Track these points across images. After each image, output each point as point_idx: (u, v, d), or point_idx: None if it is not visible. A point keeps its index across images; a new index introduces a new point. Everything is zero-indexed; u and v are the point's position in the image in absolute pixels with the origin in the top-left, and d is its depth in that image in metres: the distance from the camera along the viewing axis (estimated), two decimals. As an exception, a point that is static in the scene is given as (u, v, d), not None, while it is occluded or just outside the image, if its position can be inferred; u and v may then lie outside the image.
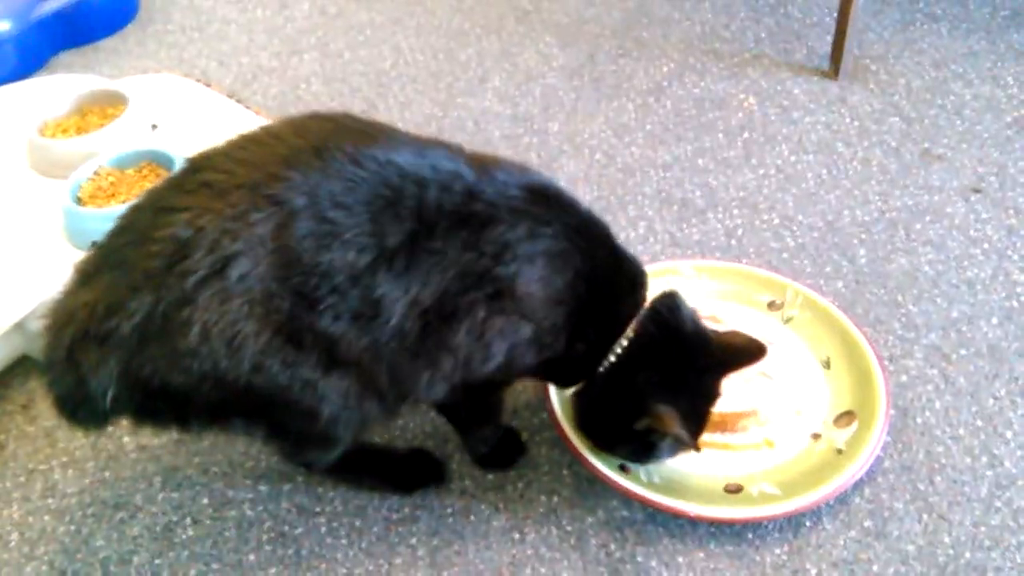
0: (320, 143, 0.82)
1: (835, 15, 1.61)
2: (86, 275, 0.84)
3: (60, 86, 1.60)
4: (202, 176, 0.83)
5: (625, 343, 0.92)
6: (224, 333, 0.78)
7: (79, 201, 1.32)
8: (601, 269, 0.91)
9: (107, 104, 1.52)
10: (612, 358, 0.92)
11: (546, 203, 0.88)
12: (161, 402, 0.84)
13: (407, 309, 0.82)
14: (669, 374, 0.93)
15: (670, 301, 0.94)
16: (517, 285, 0.85)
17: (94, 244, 1.28)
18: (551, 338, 0.90)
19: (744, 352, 0.96)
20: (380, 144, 0.84)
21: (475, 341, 0.85)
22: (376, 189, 0.81)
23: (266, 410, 0.85)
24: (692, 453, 0.97)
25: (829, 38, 1.65)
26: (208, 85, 1.64)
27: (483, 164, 0.88)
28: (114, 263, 0.81)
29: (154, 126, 1.51)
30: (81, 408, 0.85)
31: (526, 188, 0.88)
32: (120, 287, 0.79)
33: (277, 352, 0.79)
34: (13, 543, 1.02)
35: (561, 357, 0.92)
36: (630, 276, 0.95)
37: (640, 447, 0.96)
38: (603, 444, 0.99)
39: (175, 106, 1.57)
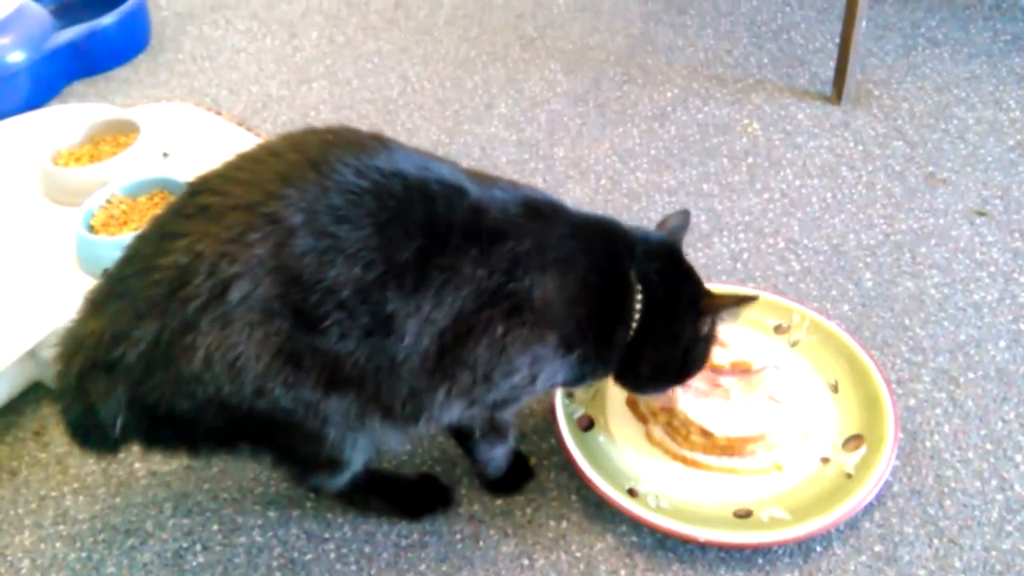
0: (318, 157, 0.82)
1: (837, 41, 1.63)
2: (94, 304, 0.84)
3: (73, 115, 1.63)
4: (200, 200, 0.83)
5: (639, 304, 0.94)
6: (225, 358, 0.78)
7: (91, 229, 1.33)
8: (602, 255, 0.93)
9: (119, 133, 1.54)
10: (634, 323, 0.94)
11: (542, 214, 0.91)
12: (169, 428, 0.84)
13: (421, 327, 0.82)
14: (684, 284, 0.97)
15: (644, 246, 0.96)
16: (534, 297, 0.86)
17: (106, 272, 1.30)
18: (579, 336, 0.91)
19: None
20: (382, 155, 0.84)
21: (496, 356, 0.86)
22: (381, 202, 0.81)
23: (272, 434, 0.86)
24: (703, 472, 1.01)
25: (832, 63, 1.67)
26: (219, 114, 1.66)
27: (482, 180, 0.90)
28: (120, 292, 0.82)
29: (165, 154, 1.53)
30: (92, 435, 0.86)
31: (523, 203, 0.90)
32: (125, 316, 0.80)
33: (277, 374, 0.79)
34: (24, 570, 1.02)
35: (598, 349, 0.93)
36: (625, 245, 0.96)
37: (706, 346, 1.00)
38: (683, 377, 1.01)
39: (187, 134, 1.59)
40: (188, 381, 0.79)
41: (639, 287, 0.94)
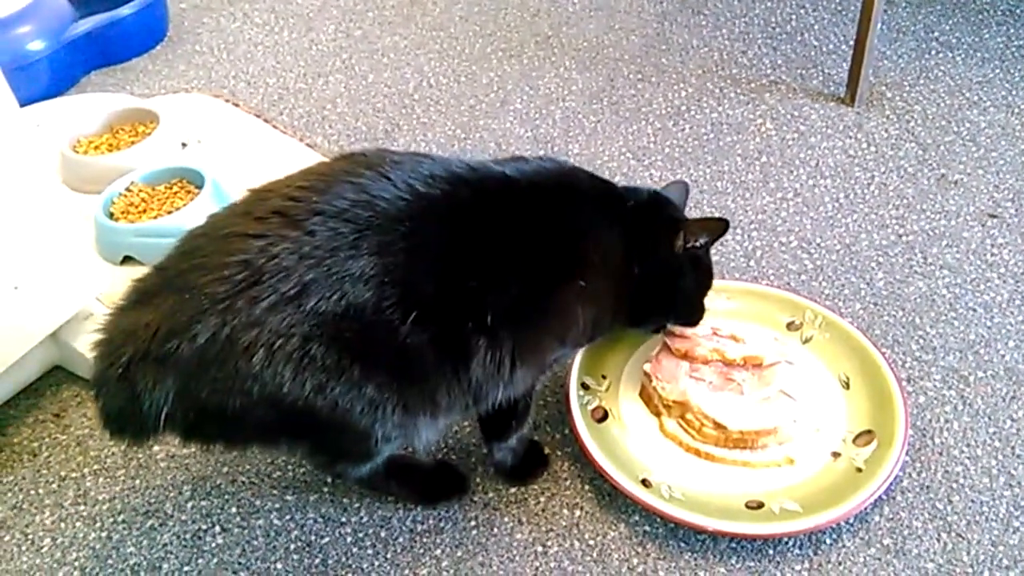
0: (388, 171, 0.86)
1: (851, 43, 1.64)
2: (145, 295, 0.84)
3: (92, 104, 1.64)
4: (272, 204, 0.84)
5: (639, 241, 1.01)
6: (291, 356, 0.79)
7: (111, 216, 1.35)
8: (615, 209, 1.00)
9: (138, 122, 1.56)
10: (639, 257, 1.01)
11: (575, 184, 0.99)
12: (214, 423, 0.85)
13: (503, 312, 0.87)
14: (665, 217, 1.05)
15: (634, 194, 1.05)
16: (592, 259, 0.96)
17: (126, 258, 1.32)
18: (620, 281, 1.00)
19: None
20: (438, 165, 0.89)
21: (566, 317, 0.95)
22: (454, 205, 0.87)
23: (317, 429, 0.87)
24: (716, 464, 1.04)
25: (846, 65, 1.68)
26: (237, 105, 1.68)
27: (513, 164, 0.96)
28: (178, 286, 0.82)
29: (184, 144, 1.54)
30: (129, 425, 0.85)
31: (561, 177, 0.99)
32: (184, 310, 0.80)
33: (343, 372, 0.81)
34: (45, 548, 1.03)
35: (627, 287, 1.01)
36: (622, 195, 1.03)
37: (691, 267, 1.06)
38: (677, 300, 1.08)
39: (205, 125, 1.60)
40: (245, 378, 0.80)
41: (637, 228, 1.01)
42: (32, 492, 1.10)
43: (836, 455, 1.06)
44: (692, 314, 1.11)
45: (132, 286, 0.86)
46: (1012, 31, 1.79)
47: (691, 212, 1.42)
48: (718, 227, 1.05)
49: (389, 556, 1.01)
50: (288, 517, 1.05)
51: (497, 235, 0.89)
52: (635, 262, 1.00)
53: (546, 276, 0.91)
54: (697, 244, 1.04)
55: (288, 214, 0.82)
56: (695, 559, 0.99)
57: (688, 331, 1.14)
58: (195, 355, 0.79)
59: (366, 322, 0.80)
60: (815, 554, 0.99)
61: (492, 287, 0.87)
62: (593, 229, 0.97)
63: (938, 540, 0.99)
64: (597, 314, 0.99)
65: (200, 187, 1.38)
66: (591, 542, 1.01)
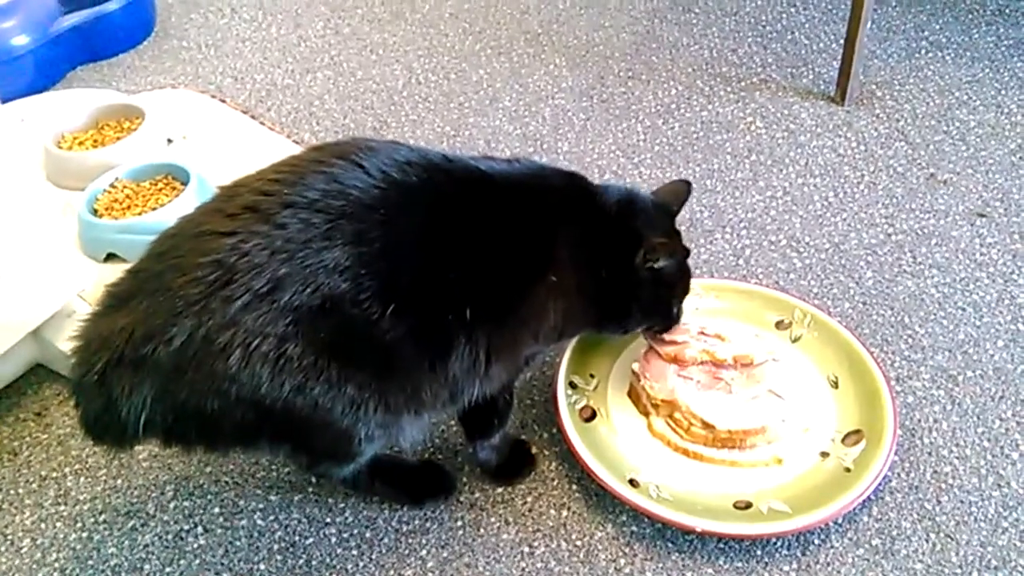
0: (362, 159, 0.84)
1: (842, 42, 1.64)
2: (120, 299, 0.83)
3: (78, 100, 1.63)
4: (243, 200, 0.82)
5: (606, 244, 0.99)
6: (267, 357, 0.78)
7: (95, 212, 1.33)
8: (586, 208, 0.99)
9: (124, 118, 1.54)
10: (607, 261, 0.99)
11: (550, 182, 0.98)
12: (193, 426, 0.83)
13: (479, 306, 0.86)
14: (632, 225, 1.00)
15: (604, 195, 1.01)
16: (564, 256, 0.94)
17: (110, 255, 1.30)
18: (588, 280, 0.97)
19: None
20: (414, 154, 0.88)
21: (542, 313, 0.94)
22: (430, 195, 0.86)
23: (297, 430, 0.86)
24: (704, 464, 1.02)
25: (836, 64, 1.68)
26: (223, 101, 1.66)
27: (490, 161, 0.96)
28: (152, 288, 0.80)
29: (169, 140, 1.53)
30: (109, 431, 0.84)
31: (537, 176, 0.98)
32: (159, 313, 0.78)
33: (322, 373, 0.80)
34: (25, 549, 1.02)
35: (595, 287, 0.99)
36: (595, 195, 1.01)
37: (659, 282, 1.01)
38: (649, 312, 1.05)
39: (191, 121, 1.59)
40: (222, 379, 0.78)
41: (603, 232, 0.99)
42: (12, 492, 1.08)
43: (824, 455, 1.05)
44: (664, 320, 1.08)
45: (106, 291, 0.85)
46: (1002, 31, 1.79)
47: (681, 211, 1.42)
48: (679, 252, 1.03)
49: (374, 557, 1.00)
50: (272, 517, 1.04)
51: (474, 226, 0.88)
52: (601, 265, 0.98)
53: (520, 271, 0.91)
54: (655, 265, 0.99)
55: (259, 209, 0.81)
56: (682, 559, 0.98)
57: (677, 336, 1.12)
58: (171, 358, 0.78)
59: (344, 316, 0.79)
60: (803, 555, 0.98)
61: (470, 279, 0.86)
62: (564, 227, 0.95)
63: (927, 541, 0.99)
64: (567, 311, 0.97)
65: (185, 184, 1.36)
66: (578, 542, 1.00)
